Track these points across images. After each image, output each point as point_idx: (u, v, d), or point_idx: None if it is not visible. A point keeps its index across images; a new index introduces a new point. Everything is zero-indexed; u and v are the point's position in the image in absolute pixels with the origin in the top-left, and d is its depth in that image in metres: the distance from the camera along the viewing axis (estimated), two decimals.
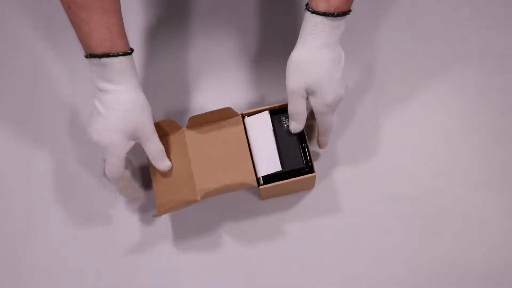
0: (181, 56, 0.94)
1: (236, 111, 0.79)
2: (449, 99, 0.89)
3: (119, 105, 0.72)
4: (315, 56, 0.71)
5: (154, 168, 0.79)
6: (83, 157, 0.88)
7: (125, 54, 0.71)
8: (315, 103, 0.74)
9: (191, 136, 0.80)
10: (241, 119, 0.80)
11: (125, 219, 0.85)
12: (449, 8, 0.94)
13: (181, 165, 0.79)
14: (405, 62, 0.91)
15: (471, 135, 0.87)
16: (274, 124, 0.79)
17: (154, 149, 0.76)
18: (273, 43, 0.93)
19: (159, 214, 0.78)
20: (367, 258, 0.82)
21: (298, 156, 0.78)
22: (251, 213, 0.85)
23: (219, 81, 0.92)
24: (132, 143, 0.75)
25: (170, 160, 0.79)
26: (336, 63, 0.73)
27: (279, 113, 0.80)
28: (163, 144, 0.78)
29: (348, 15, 0.71)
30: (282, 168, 0.77)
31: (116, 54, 0.70)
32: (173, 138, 0.80)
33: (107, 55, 0.69)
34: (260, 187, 0.77)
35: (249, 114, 0.80)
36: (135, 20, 0.97)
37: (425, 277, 0.81)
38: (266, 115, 0.79)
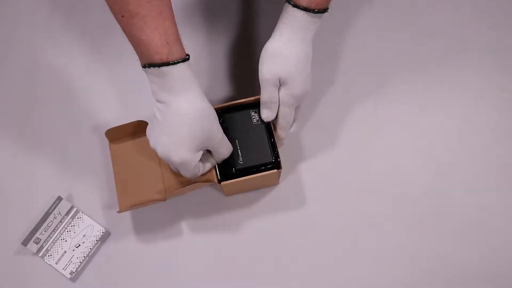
0: None
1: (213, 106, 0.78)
2: (449, 99, 0.89)
3: (183, 116, 0.68)
4: (291, 48, 0.72)
5: (118, 162, 0.80)
6: (83, 156, 0.88)
7: (184, 60, 0.67)
8: (284, 94, 0.74)
9: None
10: None
11: (124, 218, 0.86)
12: (449, 8, 0.94)
13: (149, 164, 0.81)
14: (405, 62, 0.91)
15: (471, 135, 0.87)
16: (243, 119, 0.78)
17: (226, 152, 0.75)
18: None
19: (123, 209, 0.78)
20: (367, 258, 0.82)
21: (267, 150, 0.77)
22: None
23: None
24: (201, 152, 0.72)
25: (139, 158, 0.80)
26: (308, 58, 0.74)
27: (248, 108, 0.78)
28: (136, 144, 0.79)
29: (326, 12, 0.72)
30: (249, 163, 0.76)
31: (175, 61, 0.66)
32: (146, 139, 0.78)
33: (167, 64, 0.65)
34: (222, 183, 0.76)
35: (224, 108, 0.79)
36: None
37: (425, 277, 0.81)
38: None
